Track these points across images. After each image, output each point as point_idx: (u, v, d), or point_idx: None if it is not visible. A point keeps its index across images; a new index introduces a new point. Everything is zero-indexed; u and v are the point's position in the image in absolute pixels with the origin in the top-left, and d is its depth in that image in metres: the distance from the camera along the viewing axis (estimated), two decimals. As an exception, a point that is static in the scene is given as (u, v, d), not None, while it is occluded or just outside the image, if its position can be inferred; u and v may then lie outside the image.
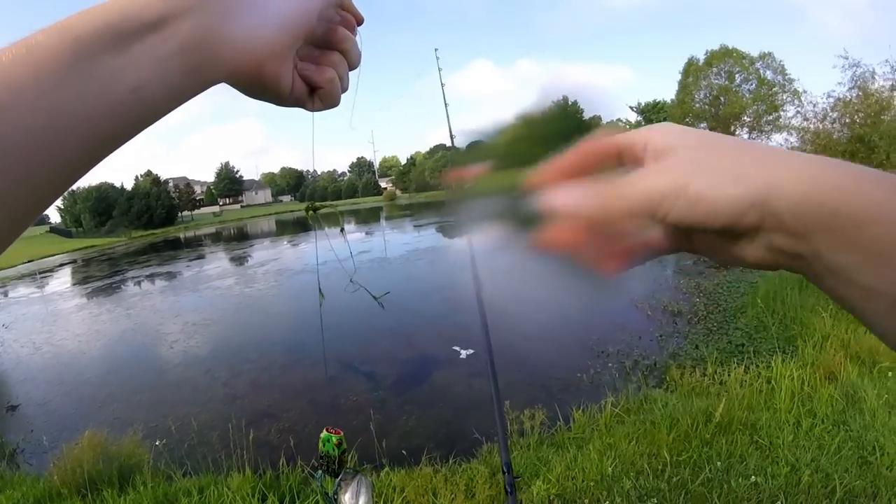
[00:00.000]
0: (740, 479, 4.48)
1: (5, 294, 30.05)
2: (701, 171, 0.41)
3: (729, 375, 7.01)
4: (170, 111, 0.50)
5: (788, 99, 51.26)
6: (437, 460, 5.84)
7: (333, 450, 0.88)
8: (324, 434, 0.88)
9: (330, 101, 0.65)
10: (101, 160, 0.47)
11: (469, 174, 0.61)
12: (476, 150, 0.60)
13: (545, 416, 6.49)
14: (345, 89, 0.68)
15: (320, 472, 0.91)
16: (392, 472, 5.48)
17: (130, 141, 0.49)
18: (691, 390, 6.95)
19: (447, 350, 9.84)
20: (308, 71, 0.61)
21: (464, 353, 9.75)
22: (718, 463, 4.75)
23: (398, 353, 10.59)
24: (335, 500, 0.96)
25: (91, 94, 0.42)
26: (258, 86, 0.56)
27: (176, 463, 6.36)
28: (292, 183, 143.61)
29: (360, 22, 0.67)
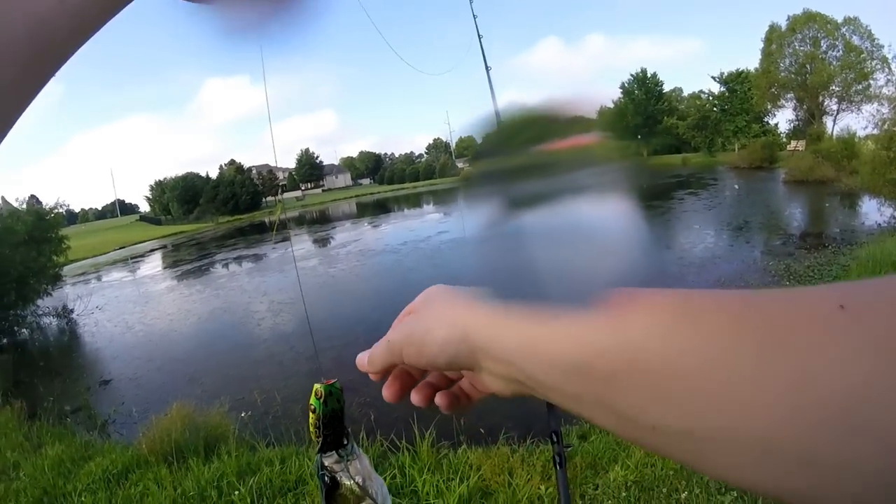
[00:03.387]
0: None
1: (99, 279, 31.32)
2: (422, 323, 0.52)
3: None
4: (101, 23, 0.49)
5: (878, 66, 48.85)
6: (515, 440, 5.79)
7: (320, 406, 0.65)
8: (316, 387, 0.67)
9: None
10: (36, 85, 0.47)
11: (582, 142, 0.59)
12: (577, 123, 0.57)
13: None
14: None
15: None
16: (469, 449, 5.45)
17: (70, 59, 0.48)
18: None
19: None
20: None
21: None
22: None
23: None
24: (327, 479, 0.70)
25: (17, 10, 0.41)
26: None
27: (260, 434, 6.51)
28: (371, 166, 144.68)
29: None
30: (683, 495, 4.24)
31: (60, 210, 22.59)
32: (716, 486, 4.35)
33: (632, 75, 76.81)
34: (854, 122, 51.87)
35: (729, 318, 0.33)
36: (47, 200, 23.96)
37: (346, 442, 0.77)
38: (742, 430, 0.30)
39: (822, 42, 51.46)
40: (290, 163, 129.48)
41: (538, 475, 4.72)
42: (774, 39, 53.98)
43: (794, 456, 0.28)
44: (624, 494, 4.40)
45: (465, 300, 0.50)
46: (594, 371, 0.37)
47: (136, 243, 57.84)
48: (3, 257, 15.89)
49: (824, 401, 0.27)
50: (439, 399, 0.59)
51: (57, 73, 0.48)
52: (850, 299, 0.29)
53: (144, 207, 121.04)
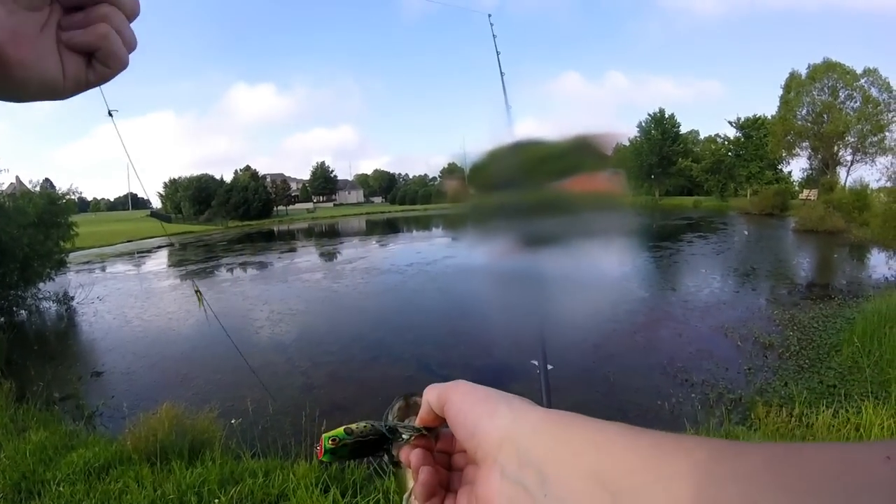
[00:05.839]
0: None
1: (103, 269, 31.44)
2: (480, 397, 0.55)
3: (817, 418, 6.61)
4: None
5: (894, 118, 48.89)
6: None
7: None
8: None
9: (114, 63, 0.56)
10: None
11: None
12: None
13: (618, 441, 6.26)
14: (131, 47, 0.57)
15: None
16: (456, 479, 5.41)
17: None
18: (776, 430, 6.61)
19: (524, 363, 9.69)
20: (75, 37, 0.52)
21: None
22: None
23: (474, 360, 10.56)
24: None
25: None
26: (13, 81, 0.48)
27: (246, 443, 6.47)
28: (384, 185, 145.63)
29: None
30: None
31: (73, 197, 22.71)
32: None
33: (649, 115, 77.13)
34: (868, 174, 51.96)
35: (768, 461, 0.33)
36: (61, 185, 24.10)
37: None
38: None
39: (841, 92, 51.52)
40: (305, 174, 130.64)
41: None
42: (794, 87, 54.05)
43: None
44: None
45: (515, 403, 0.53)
46: (618, 486, 0.38)
47: (144, 238, 58.06)
48: (10, 237, 15.94)
49: None
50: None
51: None
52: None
53: (156, 203, 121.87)
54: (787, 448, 0.34)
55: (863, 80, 50.97)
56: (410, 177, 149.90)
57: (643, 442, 0.40)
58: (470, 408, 0.55)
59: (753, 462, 0.34)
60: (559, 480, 0.42)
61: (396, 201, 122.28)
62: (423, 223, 61.12)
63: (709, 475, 0.34)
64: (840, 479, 0.30)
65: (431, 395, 0.61)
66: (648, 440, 0.40)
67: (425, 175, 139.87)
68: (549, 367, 9.84)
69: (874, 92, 50.57)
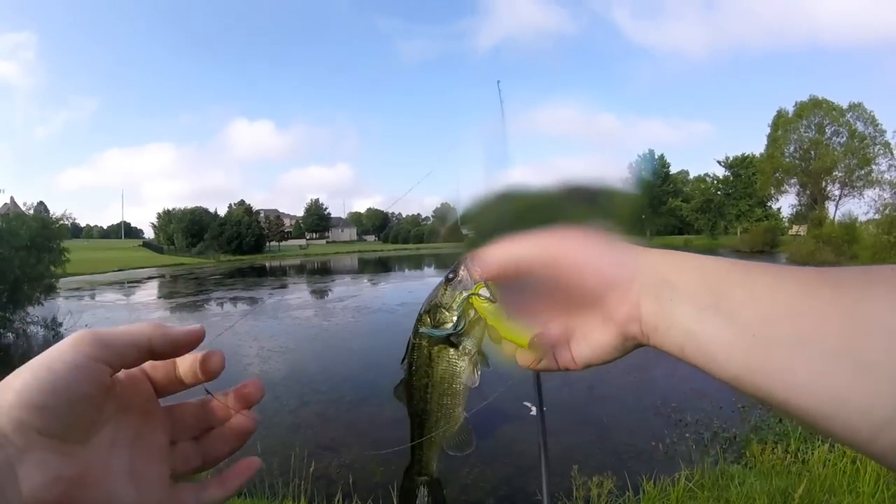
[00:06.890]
0: (814, 571, 4.14)
1: (93, 297, 31.32)
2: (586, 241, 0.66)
3: (812, 454, 6.51)
4: None
5: (880, 152, 49.62)
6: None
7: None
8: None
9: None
10: None
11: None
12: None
13: (614, 484, 6.15)
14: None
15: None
16: (448, 523, 5.31)
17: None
18: (771, 468, 6.52)
19: (516, 405, 9.60)
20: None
21: (534, 410, 9.47)
22: (793, 552, 4.39)
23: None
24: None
25: None
26: None
27: (232, 482, 6.34)
28: (377, 224, 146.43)
29: (195, 340, 0.55)
30: None
31: (66, 222, 22.65)
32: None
33: (639, 156, 78.08)
34: (856, 207, 52.61)
35: (817, 271, 0.54)
36: (55, 210, 23.96)
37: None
38: (822, 338, 0.47)
39: (827, 128, 52.52)
40: (298, 211, 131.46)
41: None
42: (781, 125, 55.03)
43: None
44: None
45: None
46: (718, 287, 0.56)
47: (135, 268, 58.05)
48: (1, 258, 15.90)
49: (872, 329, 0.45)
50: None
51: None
52: None
53: (149, 234, 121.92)
54: (823, 268, 0.54)
55: (849, 115, 52.02)
56: (403, 216, 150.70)
57: (725, 264, 0.59)
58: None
59: (806, 271, 0.54)
60: (681, 287, 0.59)
61: (389, 240, 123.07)
62: (416, 262, 61.26)
63: (775, 276, 0.54)
64: (862, 276, 0.50)
65: (537, 248, 0.68)
66: (729, 262, 0.59)
67: (418, 215, 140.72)
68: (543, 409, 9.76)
69: (860, 126, 51.60)
